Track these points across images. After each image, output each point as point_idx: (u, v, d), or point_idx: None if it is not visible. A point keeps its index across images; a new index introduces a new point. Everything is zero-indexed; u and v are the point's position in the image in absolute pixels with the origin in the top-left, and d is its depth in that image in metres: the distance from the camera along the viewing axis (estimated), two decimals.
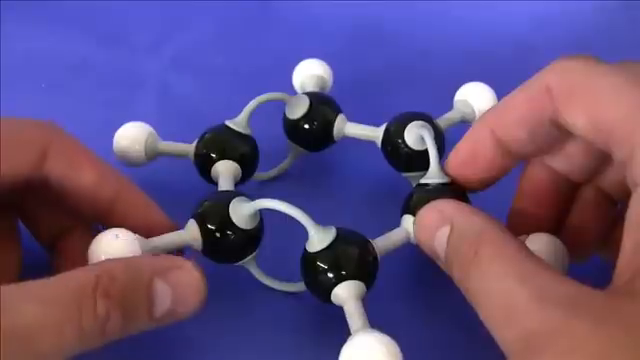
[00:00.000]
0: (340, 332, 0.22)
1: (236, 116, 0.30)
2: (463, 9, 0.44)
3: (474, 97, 0.31)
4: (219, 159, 0.29)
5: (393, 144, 0.29)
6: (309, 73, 0.34)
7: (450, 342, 0.26)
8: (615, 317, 0.16)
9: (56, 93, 0.38)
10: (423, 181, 0.26)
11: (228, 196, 0.25)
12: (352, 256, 0.23)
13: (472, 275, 0.20)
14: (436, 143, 0.27)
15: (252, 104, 0.30)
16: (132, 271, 0.21)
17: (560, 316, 0.17)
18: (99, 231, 0.23)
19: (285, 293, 0.27)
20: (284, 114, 0.32)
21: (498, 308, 0.19)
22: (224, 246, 0.25)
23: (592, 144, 0.21)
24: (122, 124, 0.31)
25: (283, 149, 0.33)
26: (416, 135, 0.28)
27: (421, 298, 0.28)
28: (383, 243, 0.25)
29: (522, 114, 0.23)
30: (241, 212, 0.24)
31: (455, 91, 0.33)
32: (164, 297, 0.21)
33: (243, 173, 0.29)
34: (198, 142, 0.30)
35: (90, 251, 0.23)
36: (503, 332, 0.18)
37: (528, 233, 0.24)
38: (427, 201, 0.23)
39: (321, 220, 0.24)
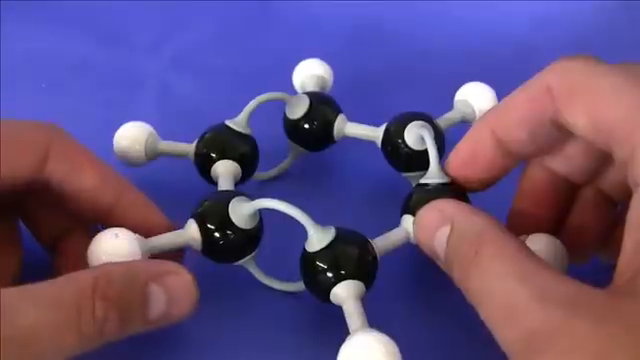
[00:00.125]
0: (339, 332, 0.22)
1: (236, 116, 0.30)
2: (463, 9, 0.44)
3: (474, 97, 0.31)
4: (219, 159, 0.29)
5: (393, 144, 0.29)
6: (309, 73, 0.34)
7: (450, 342, 0.26)
8: (616, 316, 0.16)
9: (56, 93, 0.38)
10: (423, 181, 0.26)
11: (228, 196, 0.25)
12: (351, 256, 0.23)
13: (472, 275, 0.20)
14: (436, 143, 0.27)
15: (252, 104, 0.30)
16: (128, 274, 0.21)
17: (561, 315, 0.17)
18: (98, 231, 0.23)
19: (285, 293, 0.27)
20: (284, 114, 0.32)
21: (499, 308, 0.19)
22: (223, 246, 0.25)
23: (593, 144, 0.21)
24: (122, 124, 0.31)
25: (283, 149, 0.33)
26: (416, 135, 0.28)
27: (421, 298, 0.28)
28: (383, 243, 0.25)
29: (522, 114, 0.23)
30: (241, 212, 0.24)
31: (455, 91, 0.33)
32: (159, 300, 0.21)
33: (243, 173, 0.29)
34: (198, 142, 0.30)
35: (90, 251, 0.23)
36: (504, 332, 0.18)
37: (528, 233, 0.24)
38: (427, 201, 0.23)
39: (321, 220, 0.24)
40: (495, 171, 0.25)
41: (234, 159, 0.29)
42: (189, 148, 0.30)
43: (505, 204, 0.26)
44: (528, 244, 0.23)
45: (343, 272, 0.23)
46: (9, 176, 0.23)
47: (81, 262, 0.23)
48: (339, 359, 0.20)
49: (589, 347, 0.16)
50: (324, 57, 0.35)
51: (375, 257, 0.24)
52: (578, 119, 0.21)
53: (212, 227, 0.24)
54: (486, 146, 0.24)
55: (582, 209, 0.26)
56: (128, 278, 0.21)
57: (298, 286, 0.26)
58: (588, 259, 0.26)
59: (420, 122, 0.29)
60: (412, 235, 0.25)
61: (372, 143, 0.31)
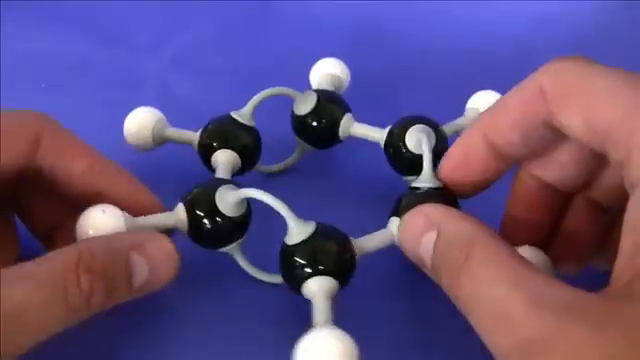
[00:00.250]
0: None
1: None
2: (463, 9, 0.44)
3: (486, 106, 0.31)
4: (220, 148, 0.29)
5: (395, 147, 0.29)
6: (324, 72, 0.34)
7: (450, 342, 0.26)
8: (613, 322, 0.16)
9: (56, 93, 0.38)
10: (415, 185, 0.26)
11: (216, 184, 0.25)
12: (327, 251, 0.23)
13: (463, 281, 0.19)
14: (439, 148, 0.27)
15: (258, 97, 0.30)
16: (110, 246, 0.22)
17: (556, 322, 0.16)
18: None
19: (269, 284, 0.27)
20: (292, 110, 0.32)
21: (491, 315, 0.18)
22: (209, 231, 0.25)
23: (586, 146, 0.21)
24: (122, 124, 0.31)
25: (293, 145, 0.33)
26: (417, 139, 0.28)
27: (422, 298, 0.28)
28: (365, 243, 0.25)
29: (515, 117, 0.23)
30: (227, 200, 0.25)
31: (455, 91, 0.33)
32: (142, 268, 0.22)
33: (244, 164, 0.30)
34: (202, 131, 0.30)
35: (78, 225, 0.23)
36: (497, 340, 0.18)
37: (522, 241, 0.24)
38: (415, 205, 0.23)
39: (320, 217, 0.24)
40: (488, 174, 0.25)
41: (235, 149, 0.29)
42: (194, 136, 0.31)
43: (497, 211, 0.26)
44: None
45: (317, 267, 0.23)
46: (2, 164, 0.24)
47: None
48: (297, 352, 0.20)
49: (587, 354, 0.16)
50: (324, 57, 0.35)
51: (353, 256, 0.24)
52: (572, 120, 0.20)
53: (198, 213, 0.25)
54: (478, 149, 0.24)
55: (575, 216, 0.25)
56: (110, 249, 0.22)
57: (279, 278, 0.26)
58: (582, 267, 0.26)
59: (421, 126, 0.28)
60: (396, 238, 0.25)
61: (379, 144, 0.31)
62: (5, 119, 0.24)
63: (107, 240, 0.22)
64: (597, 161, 0.24)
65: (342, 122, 0.31)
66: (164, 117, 0.31)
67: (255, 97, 0.30)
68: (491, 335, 0.18)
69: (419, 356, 0.25)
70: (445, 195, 0.25)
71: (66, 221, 0.26)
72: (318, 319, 0.22)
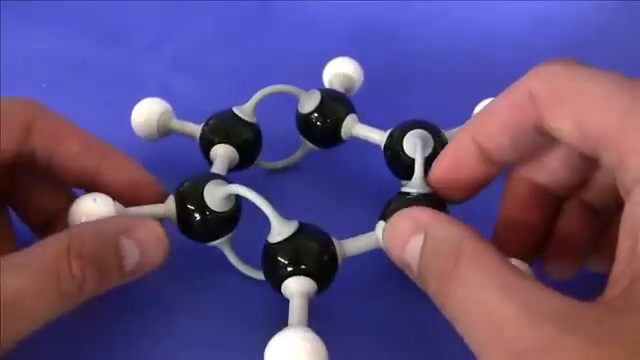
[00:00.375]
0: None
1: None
2: (463, 9, 0.44)
3: None
4: (219, 142, 0.29)
5: (393, 150, 0.29)
6: (336, 71, 0.34)
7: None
8: (611, 332, 0.16)
9: (56, 93, 0.38)
10: (405, 190, 0.25)
11: (206, 178, 0.26)
12: (307, 252, 0.23)
13: (451, 287, 0.19)
14: (438, 154, 0.27)
15: (260, 93, 0.30)
16: (100, 231, 0.22)
17: (551, 332, 0.16)
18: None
19: (257, 280, 0.27)
20: (297, 108, 0.32)
21: (481, 323, 0.18)
22: (196, 225, 0.25)
23: (577, 150, 0.21)
24: (122, 124, 0.31)
25: (297, 143, 0.33)
26: (413, 144, 0.28)
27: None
28: (350, 245, 0.25)
29: (505, 121, 0.22)
30: (214, 195, 0.25)
31: (455, 91, 0.33)
32: (132, 252, 0.22)
33: (243, 159, 0.30)
34: (204, 125, 0.31)
35: (70, 213, 0.24)
36: (488, 351, 0.17)
37: (515, 247, 0.23)
38: None
39: (320, 217, 0.24)
40: (478, 179, 0.24)
41: (234, 145, 0.29)
42: (197, 129, 0.31)
43: (489, 217, 0.26)
44: None
45: (296, 267, 0.23)
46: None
47: None
48: (266, 351, 0.20)
49: None
50: (324, 57, 0.35)
51: (334, 258, 0.24)
52: (563, 124, 0.20)
53: (187, 206, 0.25)
54: (469, 153, 0.24)
55: (568, 219, 0.25)
56: (99, 234, 0.22)
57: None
58: (576, 270, 0.26)
59: (419, 131, 0.28)
60: (382, 241, 0.24)
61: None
62: None
63: (97, 225, 0.23)
64: (588, 164, 0.23)
65: (345, 122, 0.31)
66: (171, 108, 0.32)
67: (257, 93, 0.30)
68: (481, 346, 0.18)
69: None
70: (435, 201, 0.25)
71: (60, 211, 0.26)
72: (292, 319, 0.22)
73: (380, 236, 0.24)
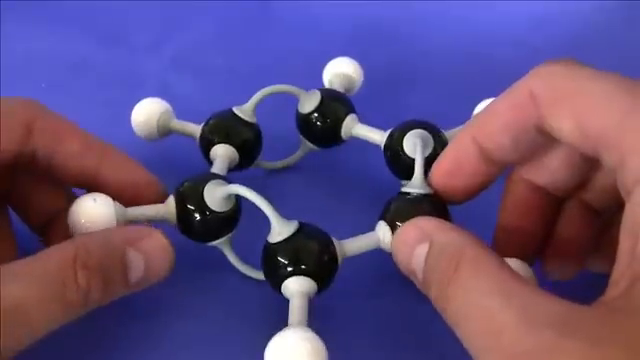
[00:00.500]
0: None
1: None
2: (463, 9, 0.44)
3: None
4: (219, 142, 0.29)
5: (393, 150, 0.29)
6: (336, 71, 0.34)
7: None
8: (612, 336, 0.16)
9: (56, 93, 0.38)
10: (405, 190, 0.25)
11: (206, 178, 0.26)
12: (307, 252, 0.23)
13: (452, 292, 0.19)
14: (438, 154, 0.27)
15: (260, 93, 0.30)
16: (106, 242, 0.22)
17: (551, 337, 0.16)
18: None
19: (257, 281, 0.27)
20: (297, 108, 0.32)
21: (481, 328, 0.18)
22: (196, 225, 0.25)
23: (577, 150, 0.21)
24: (122, 124, 0.31)
25: (297, 143, 0.33)
26: (413, 144, 0.28)
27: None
28: (350, 245, 0.25)
29: (505, 121, 0.22)
30: (214, 195, 0.25)
31: (455, 90, 0.33)
32: (138, 264, 0.22)
33: (243, 159, 0.30)
34: (204, 125, 0.31)
35: (69, 214, 0.24)
36: (487, 355, 0.17)
37: (516, 244, 0.23)
38: (404, 210, 0.23)
39: (320, 216, 0.24)
40: (479, 179, 0.24)
41: (234, 145, 0.30)
42: (197, 129, 0.31)
43: (490, 219, 0.26)
44: None
45: (295, 267, 0.23)
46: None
47: None
48: (266, 351, 0.20)
49: None
50: (324, 57, 0.35)
51: (334, 258, 0.24)
52: (563, 124, 0.20)
53: (187, 206, 0.25)
54: (469, 154, 0.24)
55: (568, 220, 0.25)
56: (106, 245, 0.22)
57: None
58: (577, 271, 0.25)
59: (419, 131, 0.28)
60: (383, 241, 0.24)
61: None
62: None
63: (103, 236, 0.22)
64: (589, 164, 0.23)
65: (345, 122, 0.31)
66: (171, 108, 0.32)
67: (257, 93, 0.30)
68: (480, 351, 0.18)
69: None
70: (435, 202, 0.25)
71: (60, 211, 0.26)
72: (292, 319, 0.22)
73: (381, 236, 0.24)
